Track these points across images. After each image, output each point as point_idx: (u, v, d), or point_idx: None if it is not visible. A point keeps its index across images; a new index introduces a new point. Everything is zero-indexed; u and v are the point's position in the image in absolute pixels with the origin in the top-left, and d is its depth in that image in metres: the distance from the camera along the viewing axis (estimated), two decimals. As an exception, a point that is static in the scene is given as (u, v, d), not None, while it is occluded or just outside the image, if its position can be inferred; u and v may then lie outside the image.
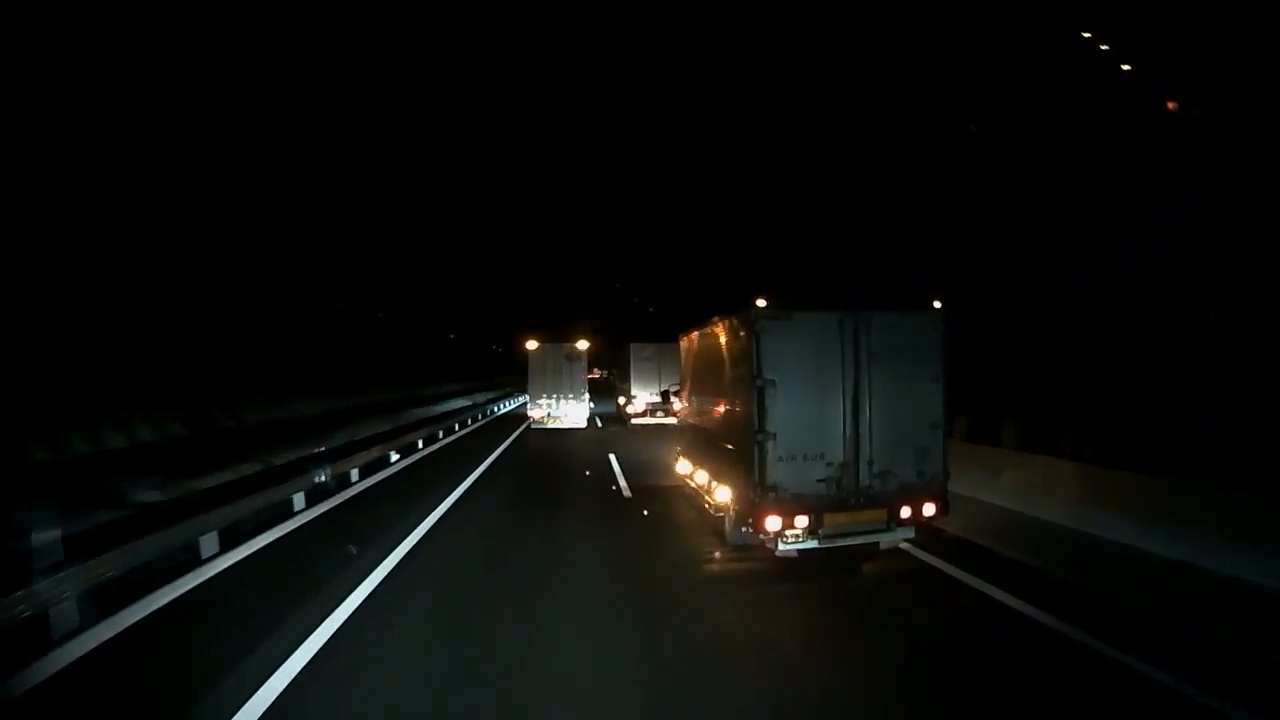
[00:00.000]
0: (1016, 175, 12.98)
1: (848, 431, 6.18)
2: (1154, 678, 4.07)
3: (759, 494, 6.06)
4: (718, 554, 7.12)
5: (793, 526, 6.03)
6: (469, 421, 22.97)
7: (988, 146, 13.41)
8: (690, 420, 9.51)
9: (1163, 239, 10.11)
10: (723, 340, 7.38)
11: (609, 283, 59.71)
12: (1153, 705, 3.89)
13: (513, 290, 70.57)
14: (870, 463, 6.20)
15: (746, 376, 6.23)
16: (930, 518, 6.37)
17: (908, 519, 6.28)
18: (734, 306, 6.83)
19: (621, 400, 23.46)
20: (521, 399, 25.26)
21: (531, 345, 21.15)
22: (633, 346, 22.36)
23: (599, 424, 22.06)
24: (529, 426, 20.87)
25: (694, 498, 9.08)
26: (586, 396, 21.35)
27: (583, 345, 21.29)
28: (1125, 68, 9.43)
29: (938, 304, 6.44)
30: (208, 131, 25.04)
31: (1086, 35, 9.67)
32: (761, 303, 6.17)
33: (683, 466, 9.76)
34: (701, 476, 8.53)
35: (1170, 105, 9.18)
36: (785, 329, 6.16)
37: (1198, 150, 9.64)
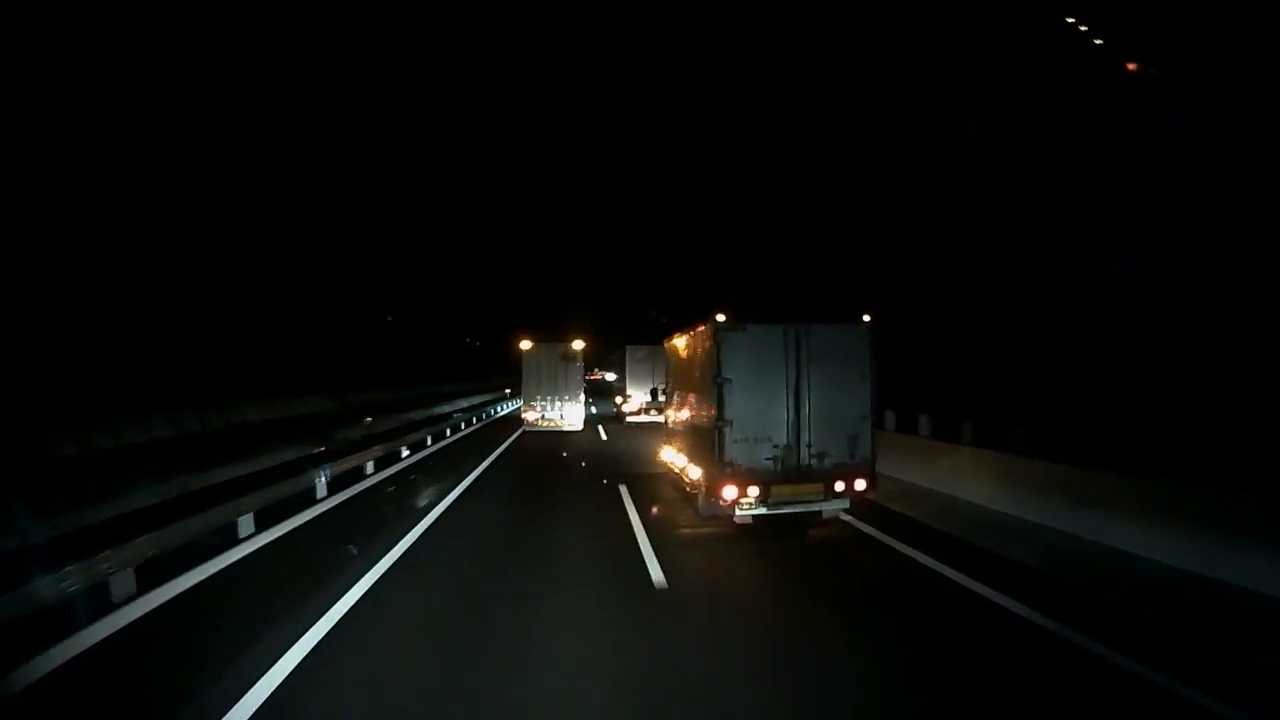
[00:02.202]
0: (1016, 175, 12.93)
1: (790, 419, 7.48)
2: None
3: (719, 469, 7.41)
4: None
5: (746, 496, 7.37)
6: (448, 433, 22.65)
7: (988, 146, 13.36)
8: (673, 413, 10.70)
9: (1163, 239, 10.09)
10: (693, 346, 8.81)
11: (612, 283, 59.45)
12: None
13: (509, 289, 69.98)
14: (809, 445, 7.51)
15: (710, 376, 7.58)
16: (861, 491, 7.65)
17: (841, 492, 7.57)
18: (703, 318, 8.15)
19: (619, 400, 24.30)
20: (516, 404, 24.99)
21: (525, 345, 20.41)
22: (628, 349, 23.46)
23: (597, 426, 21.98)
24: (523, 431, 20.15)
25: (677, 480, 10.20)
26: (583, 398, 20.96)
27: (579, 345, 20.59)
28: (1097, 42, 9.58)
29: (866, 318, 7.71)
30: (212, 134, 24.96)
31: (1070, 20, 9.76)
32: (721, 317, 7.51)
33: (666, 454, 10.97)
34: (681, 460, 9.72)
35: (1130, 66, 9.29)
36: (740, 338, 7.49)
37: (1198, 150, 9.61)
